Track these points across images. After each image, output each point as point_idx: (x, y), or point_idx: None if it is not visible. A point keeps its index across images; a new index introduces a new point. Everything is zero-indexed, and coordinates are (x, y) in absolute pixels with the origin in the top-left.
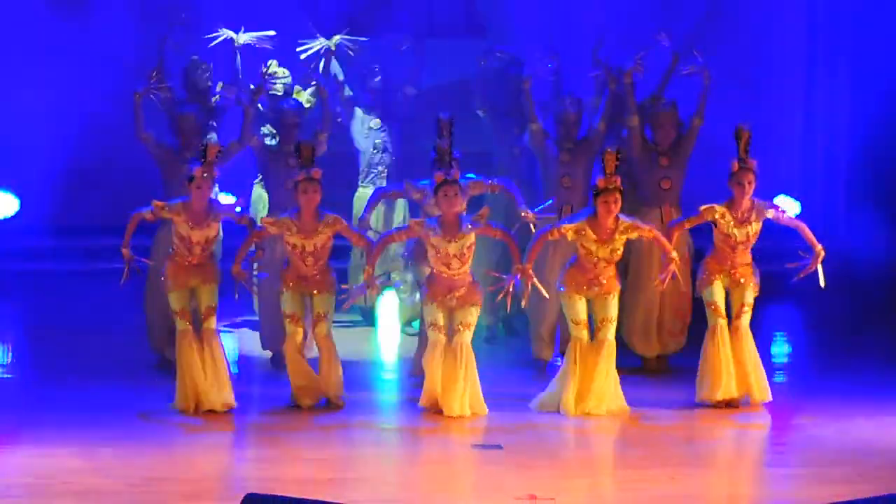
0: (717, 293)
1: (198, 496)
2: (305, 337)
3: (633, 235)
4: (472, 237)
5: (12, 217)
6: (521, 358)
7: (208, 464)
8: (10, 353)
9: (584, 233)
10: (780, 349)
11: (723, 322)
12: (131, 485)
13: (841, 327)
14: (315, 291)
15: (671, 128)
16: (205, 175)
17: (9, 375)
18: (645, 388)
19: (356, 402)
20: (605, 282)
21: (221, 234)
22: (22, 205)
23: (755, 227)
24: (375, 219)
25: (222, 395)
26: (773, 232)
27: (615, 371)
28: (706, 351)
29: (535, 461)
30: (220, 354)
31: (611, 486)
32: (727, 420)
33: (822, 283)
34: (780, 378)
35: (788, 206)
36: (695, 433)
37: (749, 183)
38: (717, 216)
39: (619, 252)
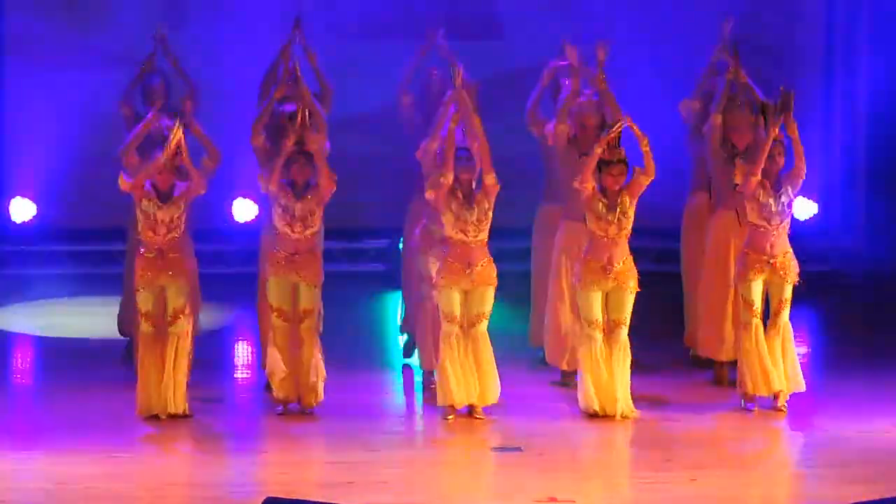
0: (755, 291)
1: (217, 500)
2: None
3: (636, 189)
4: (489, 200)
5: (28, 222)
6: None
7: (227, 468)
8: (27, 359)
9: (596, 195)
10: (800, 349)
11: (757, 322)
12: (150, 489)
13: (861, 326)
14: (303, 281)
15: (746, 130)
16: (164, 161)
17: (26, 381)
18: (665, 390)
19: (373, 404)
20: (619, 266)
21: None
22: (37, 210)
23: (790, 195)
24: None
25: (175, 400)
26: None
27: (628, 373)
28: (743, 350)
29: (555, 463)
30: (182, 359)
31: (631, 488)
32: (747, 421)
33: None
34: None
35: (805, 208)
36: (715, 434)
37: (779, 154)
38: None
39: (629, 217)
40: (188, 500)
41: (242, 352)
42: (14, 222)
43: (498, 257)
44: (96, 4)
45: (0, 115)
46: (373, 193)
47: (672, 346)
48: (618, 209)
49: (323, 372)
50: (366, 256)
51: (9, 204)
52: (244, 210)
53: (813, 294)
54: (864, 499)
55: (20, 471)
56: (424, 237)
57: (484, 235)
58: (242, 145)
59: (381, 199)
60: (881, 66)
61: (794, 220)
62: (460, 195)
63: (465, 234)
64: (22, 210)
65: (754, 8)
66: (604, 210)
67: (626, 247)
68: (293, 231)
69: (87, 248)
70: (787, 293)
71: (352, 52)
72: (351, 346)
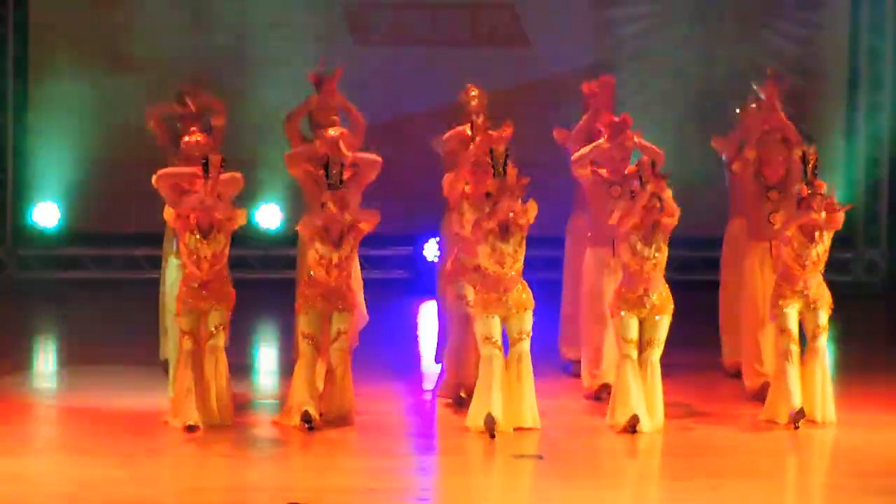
0: (791, 319)
1: None
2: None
3: (666, 194)
4: (523, 233)
5: (53, 226)
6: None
7: (251, 473)
8: (51, 362)
9: (633, 231)
10: None
11: (795, 348)
12: (173, 494)
13: (882, 337)
14: (337, 309)
15: (779, 164)
16: (203, 199)
17: (50, 384)
18: (687, 398)
19: (396, 413)
20: (655, 299)
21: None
22: (62, 214)
23: (826, 246)
24: None
25: (222, 412)
26: None
27: (661, 388)
28: (778, 372)
29: (577, 472)
30: (223, 372)
31: (653, 497)
32: (769, 430)
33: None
34: None
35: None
36: (736, 443)
37: (818, 207)
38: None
39: (664, 253)
40: None
41: (266, 357)
42: (39, 227)
43: (526, 265)
44: (121, 11)
45: (25, 120)
46: (396, 200)
47: (696, 354)
48: (653, 245)
49: (353, 397)
50: (389, 263)
51: (34, 208)
52: (269, 216)
53: (834, 305)
54: None
55: (44, 473)
56: (456, 267)
57: (519, 266)
58: (267, 151)
59: (405, 206)
60: None
61: None
62: (496, 228)
63: (501, 266)
64: (47, 214)
65: (780, 24)
66: (639, 245)
67: (662, 279)
68: (330, 276)
69: (112, 252)
70: (823, 320)
71: (379, 59)
72: (374, 353)
